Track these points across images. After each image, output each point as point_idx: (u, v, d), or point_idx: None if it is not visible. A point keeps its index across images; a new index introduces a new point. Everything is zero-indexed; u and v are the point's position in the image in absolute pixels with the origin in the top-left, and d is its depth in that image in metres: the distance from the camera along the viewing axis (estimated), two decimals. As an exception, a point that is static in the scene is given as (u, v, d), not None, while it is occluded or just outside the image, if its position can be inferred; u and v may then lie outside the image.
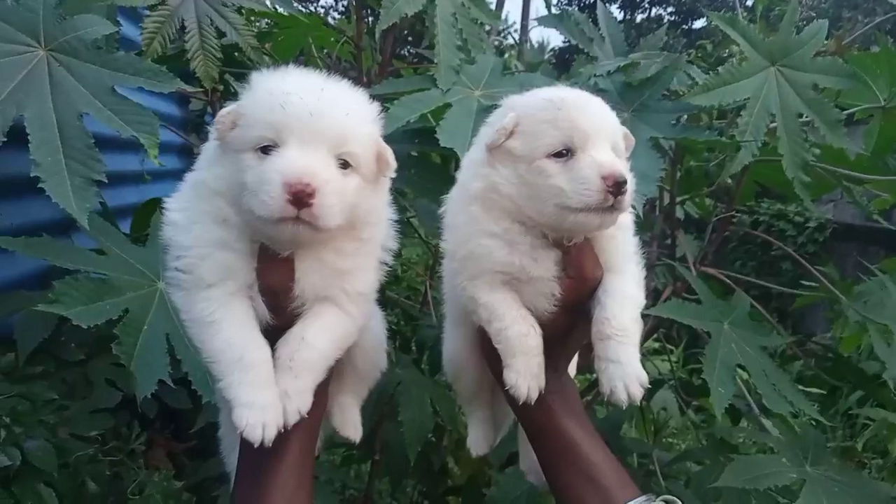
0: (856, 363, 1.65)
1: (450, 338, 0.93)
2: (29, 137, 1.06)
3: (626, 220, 0.79)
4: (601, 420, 1.48)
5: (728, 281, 1.52)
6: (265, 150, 0.65)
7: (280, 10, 1.45)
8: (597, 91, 1.29)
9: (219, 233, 0.69)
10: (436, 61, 1.29)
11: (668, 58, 1.32)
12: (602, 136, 0.73)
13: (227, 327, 0.69)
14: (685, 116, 1.34)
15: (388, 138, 1.21)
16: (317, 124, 0.66)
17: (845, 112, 1.61)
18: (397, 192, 1.38)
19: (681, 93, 1.24)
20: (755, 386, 1.20)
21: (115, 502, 1.36)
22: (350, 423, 0.93)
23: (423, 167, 1.32)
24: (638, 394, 0.72)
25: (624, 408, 0.74)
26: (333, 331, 0.73)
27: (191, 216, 0.70)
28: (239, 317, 0.70)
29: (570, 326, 0.78)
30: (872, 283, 1.61)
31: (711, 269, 1.57)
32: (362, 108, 0.73)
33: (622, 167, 0.71)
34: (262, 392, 0.68)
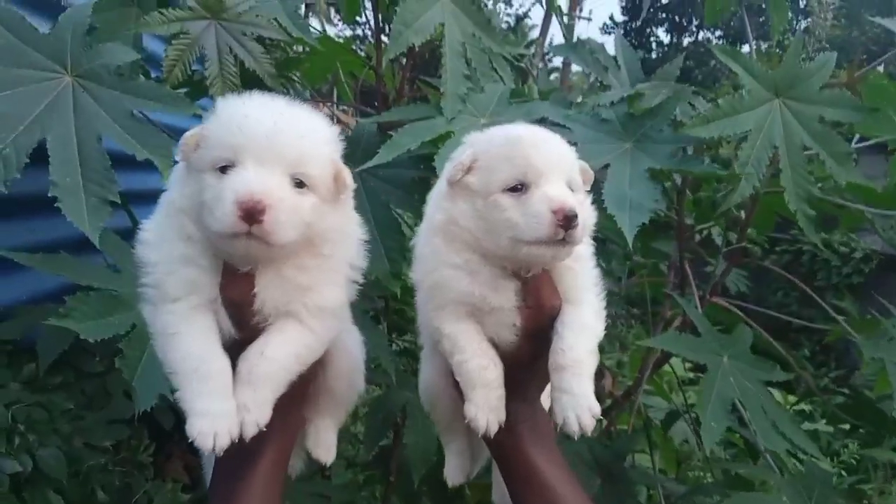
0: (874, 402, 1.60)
1: (426, 367, 0.95)
2: (50, 158, 1.13)
3: (584, 251, 0.80)
4: (604, 448, 1.47)
5: (739, 312, 1.50)
6: (223, 169, 0.69)
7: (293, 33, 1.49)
8: (600, 121, 1.31)
9: (184, 249, 0.72)
10: (442, 90, 1.32)
11: (674, 88, 1.33)
12: (556, 171, 0.75)
13: (187, 339, 0.71)
14: (690, 148, 1.34)
15: (393, 163, 1.26)
16: (272, 146, 0.69)
17: (869, 142, 1.59)
18: (401, 217, 1.42)
19: (685, 124, 1.24)
20: (751, 422, 1.18)
21: (124, 511, 1.40)
22: (322, 445, 0.93)
23: (427, 193, 1.34)
24: (589, 425, 0.72)
25: (576, 438, 0.74)
26: (294, 345, 0.74)
27: (160, 234, 0.74)
28: (200, 329, 0.72)
29: (534, 355, 0.79)
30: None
31: (721, 298, 1.55)
32: (319, 130, 0.75)
33: (573, 202, 0.73)
34: (217, 402, 0.69)
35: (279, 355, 0.73)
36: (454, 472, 0.98)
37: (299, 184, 0.71)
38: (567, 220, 0.71)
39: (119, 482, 1.39)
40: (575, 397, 0.73)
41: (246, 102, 0.73)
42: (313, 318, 0.75)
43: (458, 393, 0.85)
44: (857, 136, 1.92)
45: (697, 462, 2.83)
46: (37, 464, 1.21)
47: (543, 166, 0.75)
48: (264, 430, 0.72)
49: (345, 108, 2.40)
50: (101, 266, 1.32)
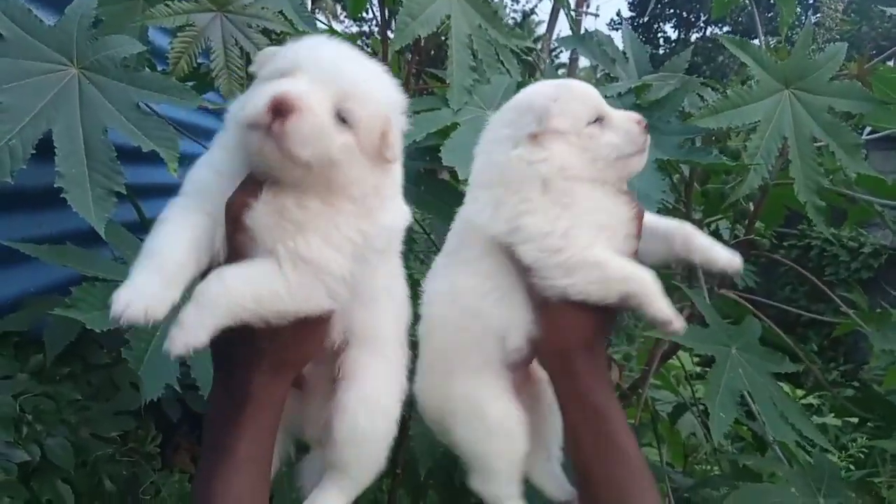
0: (884, 395, 1.59)
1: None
2: (56, 150, 1.13)
3: None
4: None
5: (747, 304, 1.49)
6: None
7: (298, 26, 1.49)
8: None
9: (217, 154, 0.73)
10: (448, 81, 1.32)
11: (681, 80, 1.32)
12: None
13: (169, 228, 0.68)
14: (699, 139, 1.34)
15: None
16: (328, 70, 0.68)
17: (879, 134, 1.58)
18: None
19: (693, 115, 1.23)
20: (759, 413, 1.18)
21: (131, 502, 1.40)
22: None
23: (433, 184, 1.34)
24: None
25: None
26: (258, 281, 0.68)
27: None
28: (187, 226, 0.69)
29: None
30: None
31: (730, 291, 1.54)
32: (383, 83, 0.74)
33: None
34: (151, 278, 0.65)
35: (236, 284, 0.67)
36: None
37: (341, 118, 0.68)
38: (647, 127, 0.84)
39: (126, 472, 1.39)
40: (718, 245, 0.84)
41: (330, 39, 0.74)
42: (289, 264, 0.69)
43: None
44: (867, 130, 1.91)
45: (704, 455, 2.82)
46: (45, 453, 1.22)
47: (603, 101, 0.85)
48: (238, 407, 0.70)
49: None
50: (107, 258, 1.32)
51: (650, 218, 0.86)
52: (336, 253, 0.70)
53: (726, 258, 0.81)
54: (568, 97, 0.83)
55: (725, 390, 1.15)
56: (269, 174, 0.68)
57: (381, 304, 0.81)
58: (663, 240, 0.85)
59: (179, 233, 0.68)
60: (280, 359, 0.73)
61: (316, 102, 0.66)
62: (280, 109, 0.63)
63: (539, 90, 0.86)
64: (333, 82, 0.68)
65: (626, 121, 0.83)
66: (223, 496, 0.70)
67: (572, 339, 0.80)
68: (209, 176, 0.71)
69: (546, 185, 0.80)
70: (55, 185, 1.10)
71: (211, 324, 0.65)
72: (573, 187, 0.80)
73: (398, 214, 0.77)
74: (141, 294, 0.63)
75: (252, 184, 0.69)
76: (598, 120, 0.82)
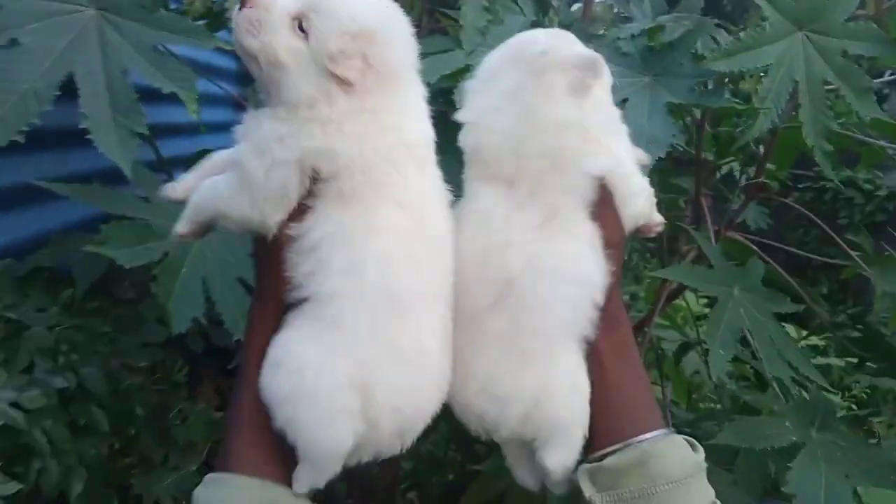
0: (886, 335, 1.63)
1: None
2: (79, 92, 1.16)
3: None
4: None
5: (752, 246, 1.52)
6: None
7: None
8: (619, 55, 1.31)
9: None
10: (461, 23, 1.32)
11: (695, 21, 1.31)
12: None
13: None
14: (711, 82, 1.34)
15: (413, 97, 1.27)
16: None
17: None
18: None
19: (706, 57, 1.23)
20: (758, 350, 1.22)
21: (161, 427, 1.49)
22: None
23: (445, 127, 1.36)
24: None
25: None
26: (217, 182, 0.75)
27: None
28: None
29: None
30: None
31: (737, 233, 1.57)
32: (365, 6, 0.73)
33: None
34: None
35: (206, 185, 0.77)
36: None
37: (300, 26, 0.70)
38: None
39: (156, 400, 1.48)
40: None
41: None
42: (231, 168, 0.74)
43: None
44: (888, 72, 1.89)
45: (708, 394, 2.91)
46: (81, 381, 1.29)
47: None
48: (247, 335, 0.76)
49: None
50: (132, 196, 1.37)
51: None
52: (254, 156, 0.70)
53: None
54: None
55: (726, 328, 1.20)
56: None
57: (325, 254, 0.70)
58: None
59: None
60: (260, 286, 0.78)
61: (276, 2, 0.69)
62: (243, 1, 0.69)
63: (565, 39, 0.83)
64: None
65: None
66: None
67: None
68: None
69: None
70: (80, 127, 1.13)
71: (188, 217, 0.77)
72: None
73: (362, 143, 0.70)
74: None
75: None
76: None
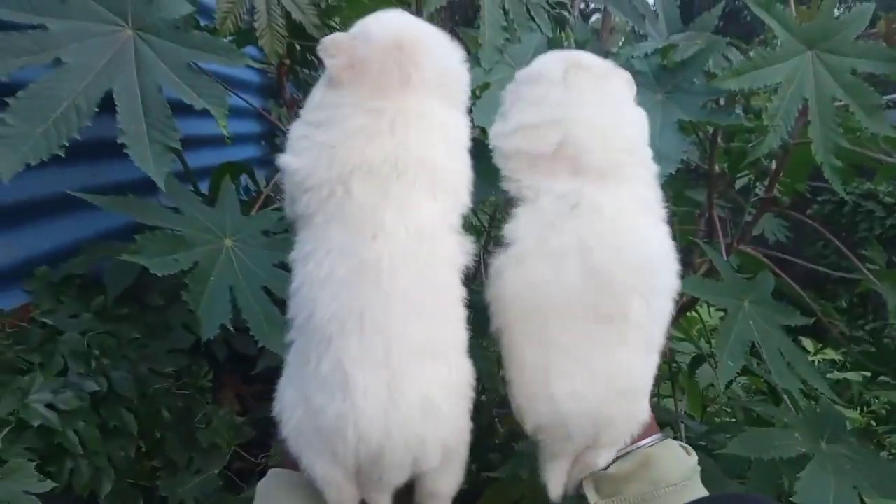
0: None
1: None
2: (117, 107, 1.22)
3: None
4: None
5: (765, 260, 1.54)
6: None
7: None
8: (633, 72, 1.34)
9: None
10: (480, 41, 1.37)
11: (708, 40, 1.35)
12: None
13: None
14: (723, 98, 1.37)
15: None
16: None
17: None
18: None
19: (717, 75, 1.27)
20: (767, 362, 1.25)
21: (186, 430, 1.54)
22: None
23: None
24: None
25: None
26: None
27: None
28: None
29: None
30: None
31: (750, 246, 1.60)
32: None
33: None
34: None
35: None
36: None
37: None
38: None
39: (181, 404, 1.53)
40: None
41: None
42: None
43: None
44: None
45: (724, 408, 2.91)
46: (111, 385, 1.35)
47: None
48: None
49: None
50: (163, 207, 1.42)
51: None
52: None
53: None
54: None
55: (735, 340, 1.22)
56: None
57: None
58: None
59: None
60: None
61: None
62: None
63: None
64: None
65: None
66: None
67: None
68: None
69: None
70: (109, 140, 1.19)
71: None
72: None
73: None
74: None
75: None
76: None
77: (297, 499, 0.72)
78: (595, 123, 0.78)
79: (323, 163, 0.70)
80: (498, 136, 0.83)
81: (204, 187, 2.07)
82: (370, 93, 0.72)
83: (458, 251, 0.73)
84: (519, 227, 0.76)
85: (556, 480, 0.81)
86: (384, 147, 0.69)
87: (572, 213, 0.74)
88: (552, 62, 0.85)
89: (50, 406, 1.21)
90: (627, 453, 0.78)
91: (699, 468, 0.78)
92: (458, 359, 0.71)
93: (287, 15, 1.47)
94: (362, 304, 0.64)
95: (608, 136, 0.78)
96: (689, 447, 0.81)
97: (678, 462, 0.77)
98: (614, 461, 0.78)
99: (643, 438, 0.79)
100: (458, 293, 0.72)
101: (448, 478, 0.74)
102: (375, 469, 0.66)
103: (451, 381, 0.69)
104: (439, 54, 0.77)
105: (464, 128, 0.80)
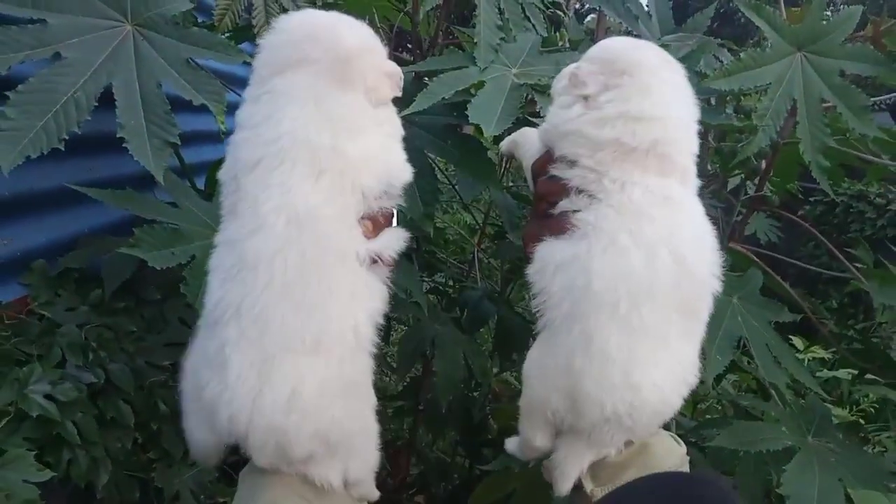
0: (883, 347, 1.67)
1: None
2: (116, 102, 1.23)
3: None
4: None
5: (754, 258, 1.57)
6: None
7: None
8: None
9: None
10: (476, 40, 1.39)
11: (699, 41, 1.37)
12: None
13: None
14: (714, 98, 1.40)
15: (427, 110, 1.34)
16: None
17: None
18: (434, 162, 1.50)
19: (708, 76, 1.29)
20: (755, 357, 1.27)
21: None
22: None
23: (459, 139, 1.43)
24: None
25: None
26: None
27: None
28: None
29: None
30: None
31: (741, 245, 1.62)
32: None
33: None
34: None
35: None
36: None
37: None
38: None
39: (178, 396, 1.54)
40: None
41: None
42: None
43: None
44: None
45: (714, 405, 2.94)
46: (108, 377, 1.36)
47: None
48: None
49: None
50: (160, 201, 1.44)
51: None
52: None
53: None
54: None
55: (724, 335, 1.25)
56: None
57: None
58: None
59: None
60: None
61: None
62: None
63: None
64: None
65: None
66: None
67: None
68: None
69: None
70: (117, 136, 1.21)
71: None
72: None
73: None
74: None
75: None
76: None
77: (278, 485, 0.74)
78: (685, 124, 0.78)
79: (230, 159, 0.72)
80: (584, 122, 0.78)
81: (200, 183, 2.08)
82: (259, 82, 0.73)
83: (348, 238, 0.70)
84: (604, 217, 0.74)
85: (573, 473, 0.80)
86: (267, 135, 0.69)
87: (665, 205, 0.73)
88: (647, 52, 0.82)
89: (48, 397, 1.23)
90: (628, 442, 0.78)
91: (688, 457, 0.80)
92: (347, 354, 0.70)
93: (285, 12, 1.48)
94: (242, 294, 0.65)
95: (691, 139, 0.79)
96: (678, 437, 0.83)
97: (671, 450, 0.79)
98: None
99: None
100: (353, 284, 0.70)
101: (353, 465, 0.74)
102: (245, 447, 0.68)
103: (330, 376, 0.67)
104: (329, 37, 0.75)
105: (360, 111, 0.76)
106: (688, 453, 0.82)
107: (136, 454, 1.49)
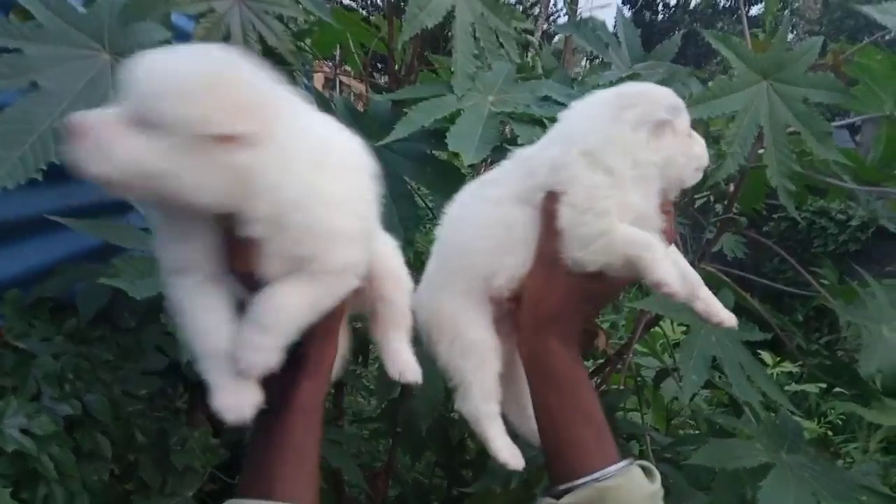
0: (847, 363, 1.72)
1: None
2: (94, 132, 1.23)
3: None
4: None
5: (725, 278, 1.61)
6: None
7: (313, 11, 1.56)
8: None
9: (171, 221, 0.70)
10: (452, 69, 1.41)
11: (669, 69, 1.42)
12: None
13: (195, 317, 0.70)
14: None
15: (407, 139, 1.36)
16: (128, 82, 0.63)
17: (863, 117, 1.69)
18: (413, 189, 1.52)
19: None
20: (728, 376, 1.31)
21: (160, 453, 1.54)
22: (405, 365, 0.89)
23: (438, 165, 1.45)
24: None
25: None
26: (307, 296, 0.71)
27: None
28: (206, 306, 0.70)
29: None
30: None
31: (712, 264, 1.67)
32: (187, 61, 0.65)
33: None
34: (233, 378, 0.68)
35: (292, 306, 0.69)
36: (513, 455, 0.94)
37: (144, 123, 0.61)
38: None
39: (156, 427, 1.52)
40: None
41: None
42: (327, 276, 0.71)
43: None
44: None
45: (688, 420, 2.99)
46: (85, 408, 1.34)
47: None
48: (297, 364, 0.75)
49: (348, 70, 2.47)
50: (135, 228, 1.43)
51: None
52: (350, 248, 0.72)
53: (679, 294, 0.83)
54: (680, 105, 0.88)
55: (698, 356, 1.28)
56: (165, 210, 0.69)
57: None
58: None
59: (212, 321, 0.69)
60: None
61: (94, 117, 0.61)
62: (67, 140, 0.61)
63: (661, 92, 0.90)
64: (130, 92, 0.62)
65: (699, 137, 0.90)
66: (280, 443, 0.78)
67: (554, 305, 0.87)
68: (181, 249, 0.70)
69: (636, 168, 0.84)
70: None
71: (280, 345, 0.69)
72: (652, 181, 0.85)
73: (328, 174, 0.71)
74: (240, 394, 0.68)
75: (245, 248, 0.68)
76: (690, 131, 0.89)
77: None
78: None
79: None
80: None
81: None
82: None
83: None
84: None
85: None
86: None
87: None
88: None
89: (24, 431, 1.20)
90: (583, 484, 0.79)
91: (661, 491, 0.81)
92: None
93: (262, 40, 1.50)
94: None
95: None
96: (653, 469, 0.83)
97: (637, 489, 0.79)
98: (569, 491, 0.80)
99: (600, 467, 0.81)
100: None
101: None
102: None
103: None
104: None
105: None
106: (662, 473, 0.83)
107: (113, 486, 1.46)
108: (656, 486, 0.81)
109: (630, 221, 0.83)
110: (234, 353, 0.68)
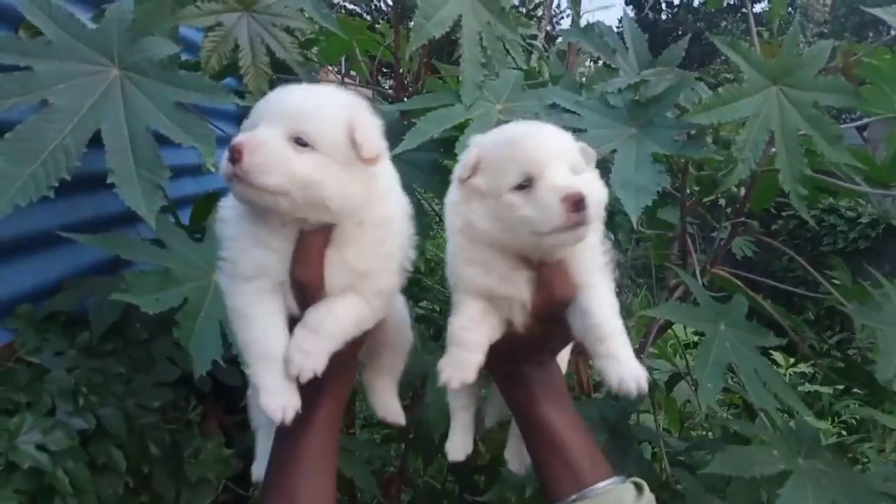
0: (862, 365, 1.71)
1: None
2: (105, 147, 1.24)
3: (592, 238, 0.84)
4: (611, 408, 1.60)
5: (737, 281, 1.60)
6: None
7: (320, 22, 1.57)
8: (608, 107, 1.40)
9: (257, 230, 0.80)
10: (460, 78, 1.41)
11: (677, 75, 1.41)
12: (556, 159, 0.80)
13: (256, 322, 0.79)
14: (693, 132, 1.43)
15: (417, 148, 1.35)
16: (277, 107, 0.78)
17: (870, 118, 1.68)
18: (423, 197, 1.52)
19: (688, 109, 1.33)
20: (744, 383, 1.30)
21: (174, 465, 1.54)
22: (392, 411, 1.02)
23: (447, 174, 1.44)
24: (644, 385, 0.78)
25: (633, 397, 0.80)
26: (356, 312, 0.81)
27: (238, 212, 0.82)
28: (268, 313, 0.80)
29: (546, 332, 0.88)
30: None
31: (723, 268, 1.66)
32: (330, 98, 0.81)
33: (580, 184, 0.78)
34: (283, 381, 0.78)
35: (345, 317, 0.80)
36: (456, 449, 1.03)
37: (299, 142, 0.76)
38: (577, 204, 0.74)
39: (169, 438, 1.52)
40: (621, 363, 0.79)
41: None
42: (372, 297, 0.82)
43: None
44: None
45: (702, 424, 2.97)
46: (100, 422, 1.35)
47: (544, 157, 0.79)
48: (320, 382, 0.79)
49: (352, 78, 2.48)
50: (146, 242, 1.43)
51: (587, 297, 0.83)
52: (394, 276, 0.84)
53: (617, 380, 0.77)
54: (500, 155, 0.81)
55: (714, 363, 1.27)
56: (284, 220, 0.78)
57: None
58: (583, 327, 0.82)
59: (271, 327, 0.79)
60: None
61: (264, 136, 0.74)
62: (233, 154, 0.73)
63: (487, 139, 0.86)
64: (282, 115, 0.77)
65: (551, 193, 0.76)
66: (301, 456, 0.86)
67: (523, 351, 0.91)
68: (264, 255, 0.80)
69: (460, 231, 0.84)
70: (107, 182, 1.21)
71: (330, 351, 0.79)
72: (479, 246, 0.83)
73: (401, 216, 0.85)
74: (285, 397, 0.77)
75: (313, 258, 0.79)
76: (526, 184, 0.78)
77: None
78: None
79: None
80: None
81: (183, 215, 2.07)
82: None
83: None
84: None
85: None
86: None
87: None
88: None
89: (40, 447, 1.21)
90: (572, 502, 0.84)
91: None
92: None
93: (270, 52, 1.50)
94: None
95: None
96: (643, 485, 0.85)
97: None
98: None
99: (590, 484, 0.85)
100: None
101: None
102: None
103: None
104: None
105: None
106: (676, 478, 0.84)
107: (127, 499, 1.47)
108: (646, 500, 0.83)
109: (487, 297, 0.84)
110: (286, 356, 0.78)
